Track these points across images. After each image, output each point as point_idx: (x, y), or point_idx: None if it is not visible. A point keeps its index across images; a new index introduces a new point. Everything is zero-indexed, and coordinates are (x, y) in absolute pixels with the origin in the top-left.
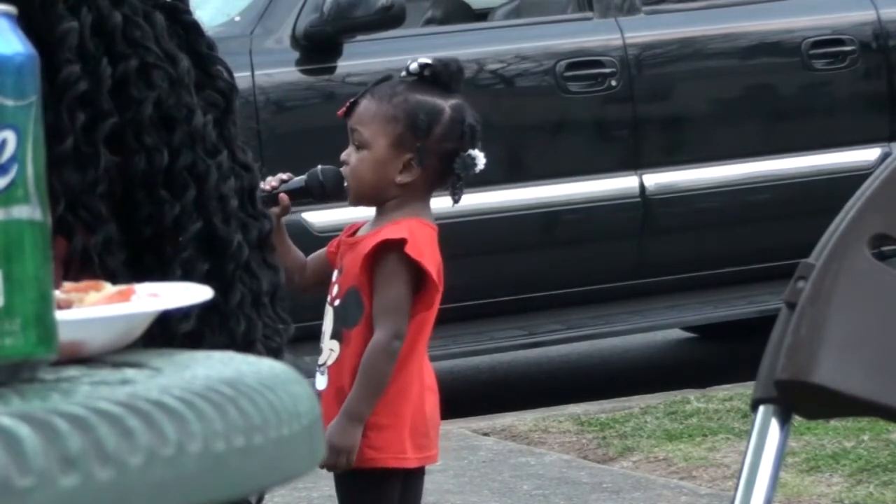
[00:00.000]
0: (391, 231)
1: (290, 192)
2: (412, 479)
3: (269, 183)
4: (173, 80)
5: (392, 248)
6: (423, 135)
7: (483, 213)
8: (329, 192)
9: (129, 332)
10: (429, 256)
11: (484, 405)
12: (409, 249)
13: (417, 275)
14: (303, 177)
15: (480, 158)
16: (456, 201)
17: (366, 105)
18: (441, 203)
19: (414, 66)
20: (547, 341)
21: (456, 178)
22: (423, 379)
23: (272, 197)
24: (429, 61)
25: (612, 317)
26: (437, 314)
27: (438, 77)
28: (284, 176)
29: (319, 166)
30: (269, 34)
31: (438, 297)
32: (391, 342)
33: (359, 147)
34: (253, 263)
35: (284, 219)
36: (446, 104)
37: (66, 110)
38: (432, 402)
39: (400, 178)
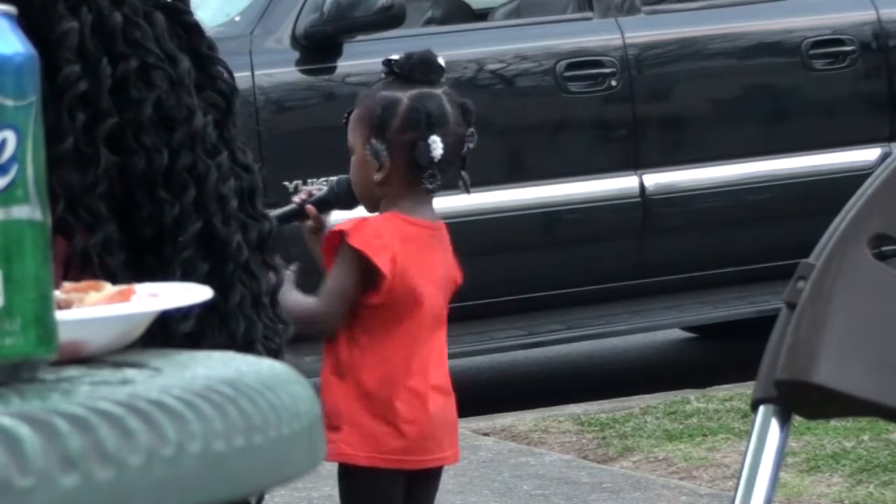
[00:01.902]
0: (344, 223)
1: (316, 204)
2: (422, 480)
3: (299, 196)
4: (173, 80)
5: (338, 238)
6: (380, 129)
7: (483, 213)
8: (344, 201)
9: (129, 332)
10: (376, 245)
11: (484, 405)
12: (350, 239)
13: (369, 265)
14: (325, 188)
15: (436, 143)
16: (464, 190)
17: (353, 112)
18: (442, 203)
19: (383, 66)
20: (547, 341)
21: (445, 167)
22: (427, 378)
23: (301, 211)
24: (395, 57)
25: (612, 317)
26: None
27: (402, 71)
28: (313, 188)
29: (336, 177)
30: (269, 34)
31: (390, 285)
32: (315, 317)
33: (352, 154)
34: (252, 264)
35: (291, 225)
36: (405, 95)
37: (66, 110)
38: (439, 402)
39: (376, 177)
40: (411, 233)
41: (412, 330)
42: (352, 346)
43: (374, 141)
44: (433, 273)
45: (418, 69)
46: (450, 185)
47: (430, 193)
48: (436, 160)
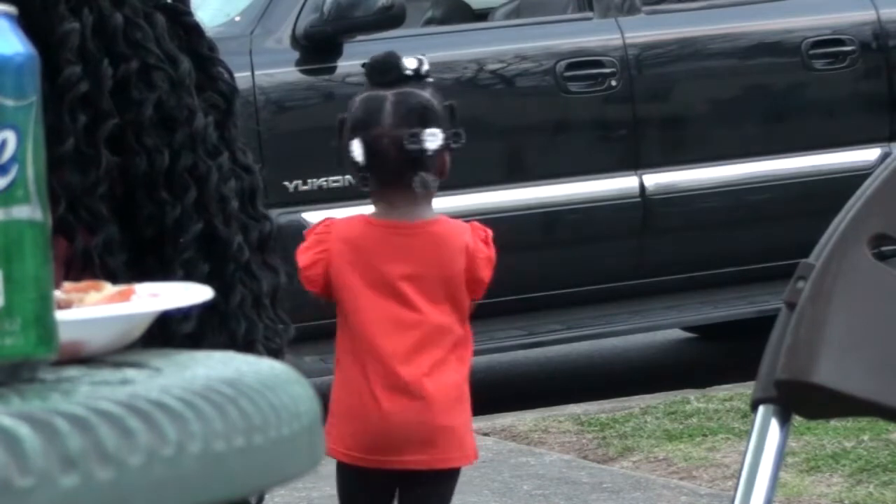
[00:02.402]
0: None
1: None
2: (402, 484)
3: None
4: (174, 81)
5: None
6: (339, 134)
7: (483, 213)
8: None
9: (129, 332)
10: (311, 240)
11: (484, 405)
12: (305, 233)
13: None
14: None
15: (354, 147)
16: (419, 189)
17: None
18: (442, 203)
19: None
20: (547, 341)
21: (379, 169)
22: (387, 378)
23: None
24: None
25: (612, 317)
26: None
27: (365, 74)
28: None
29: None
30: (269, 34)
31: (312, 278)
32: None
33: None
34: (253, 265)
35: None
36: (356, 100)
37: (67, 111)
38: (402, 404)
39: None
40: (364, 234)
41: (367, 328)
42: (337, 340)
43: (334, 144)
44: (381, 274)
45: (373, 72)
46: (450, 185)
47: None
48: (358, 163)
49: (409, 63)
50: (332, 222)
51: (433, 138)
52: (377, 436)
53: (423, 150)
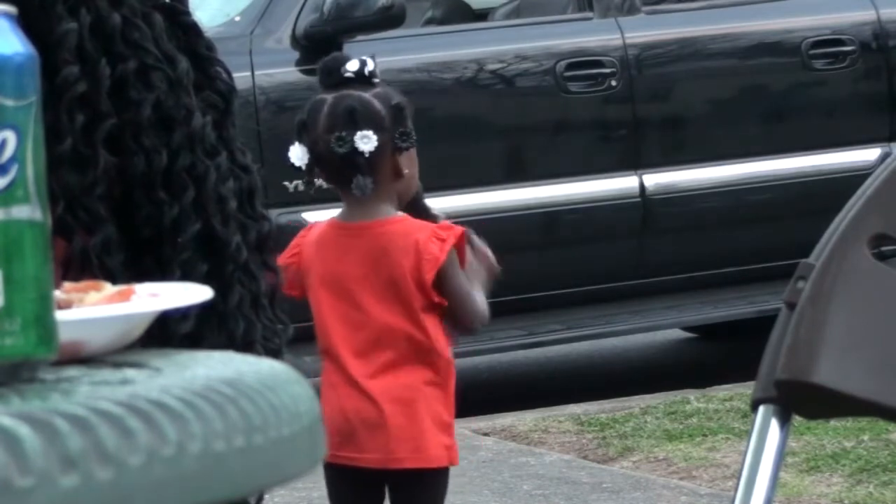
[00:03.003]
0: None
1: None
2: (390, 484)
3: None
4: (172, 81)
5: None
6: None
7: (483, 213)
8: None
9: (129, 332)
10: (292, 242)
11: (484, 405)
12: None
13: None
14: None
15: (292, 151)
16: (358, 192)
17: None
18: (443, 203)
19: None
20: (547, 341)
21: (324, 171)
22: (344, 376)
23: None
24: None
25: (612, 317)
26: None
27: None
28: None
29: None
30: (269, 34)
31: (287, 278)
32: None
33: None
34: (251, 265)
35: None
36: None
37: (65, 111)
38: (354, 402)
39: None
40: (325, 235)
41: (326, 329)
42: None
43: None
44: (335, 274)
45: (320, 74)
46: (450, 185)
47: (354, 196)
48: (298, 166)
49: (351, 65)
50: (312, 226)
51: (367, 140)
52: (337, 433)
53: (356, 153)
